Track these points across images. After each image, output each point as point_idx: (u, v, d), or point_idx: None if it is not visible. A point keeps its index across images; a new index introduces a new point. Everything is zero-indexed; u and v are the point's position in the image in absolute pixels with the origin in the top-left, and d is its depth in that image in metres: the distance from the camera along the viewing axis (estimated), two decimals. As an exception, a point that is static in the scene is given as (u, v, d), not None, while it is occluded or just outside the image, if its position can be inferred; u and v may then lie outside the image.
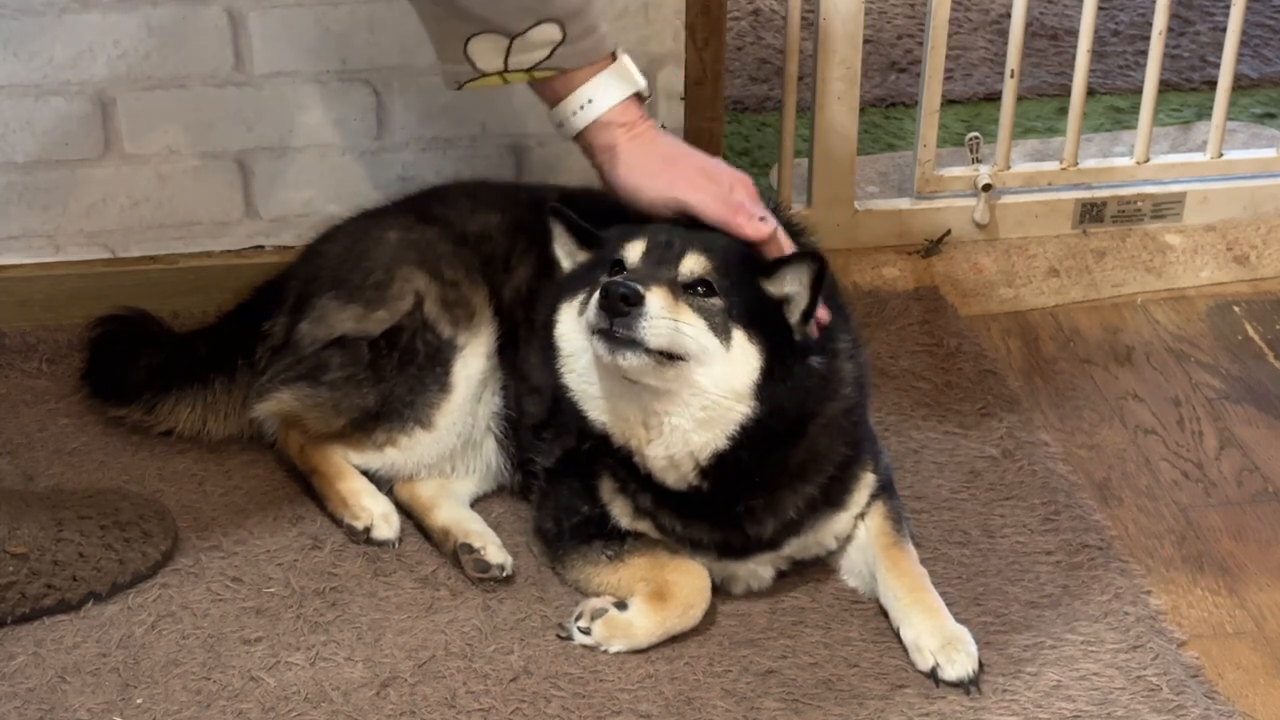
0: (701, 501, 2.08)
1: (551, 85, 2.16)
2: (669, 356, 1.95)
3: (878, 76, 3.65)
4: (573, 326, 2.05)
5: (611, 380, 2.01)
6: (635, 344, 1.92)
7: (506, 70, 2.13)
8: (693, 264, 1.99)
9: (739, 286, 1.99)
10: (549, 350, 2.09)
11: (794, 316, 2.01)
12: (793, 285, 2.00)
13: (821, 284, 1.99)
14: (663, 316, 1.93)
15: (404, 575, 2.23)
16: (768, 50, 3.79)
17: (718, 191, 2.10)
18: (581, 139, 2.17)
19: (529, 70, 2.13)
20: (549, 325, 2.09)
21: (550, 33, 2.09)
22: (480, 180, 2.66)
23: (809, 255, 2.02)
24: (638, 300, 1.92)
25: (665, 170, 2.13)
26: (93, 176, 2.74)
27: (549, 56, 2.11)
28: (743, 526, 2.11)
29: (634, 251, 2.02)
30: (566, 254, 2.14)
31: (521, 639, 2.12)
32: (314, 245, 2.56)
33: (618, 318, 1.92)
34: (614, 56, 2.16)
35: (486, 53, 2.11)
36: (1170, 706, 2.02)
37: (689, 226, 2.09)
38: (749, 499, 2.08)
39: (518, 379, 2.33)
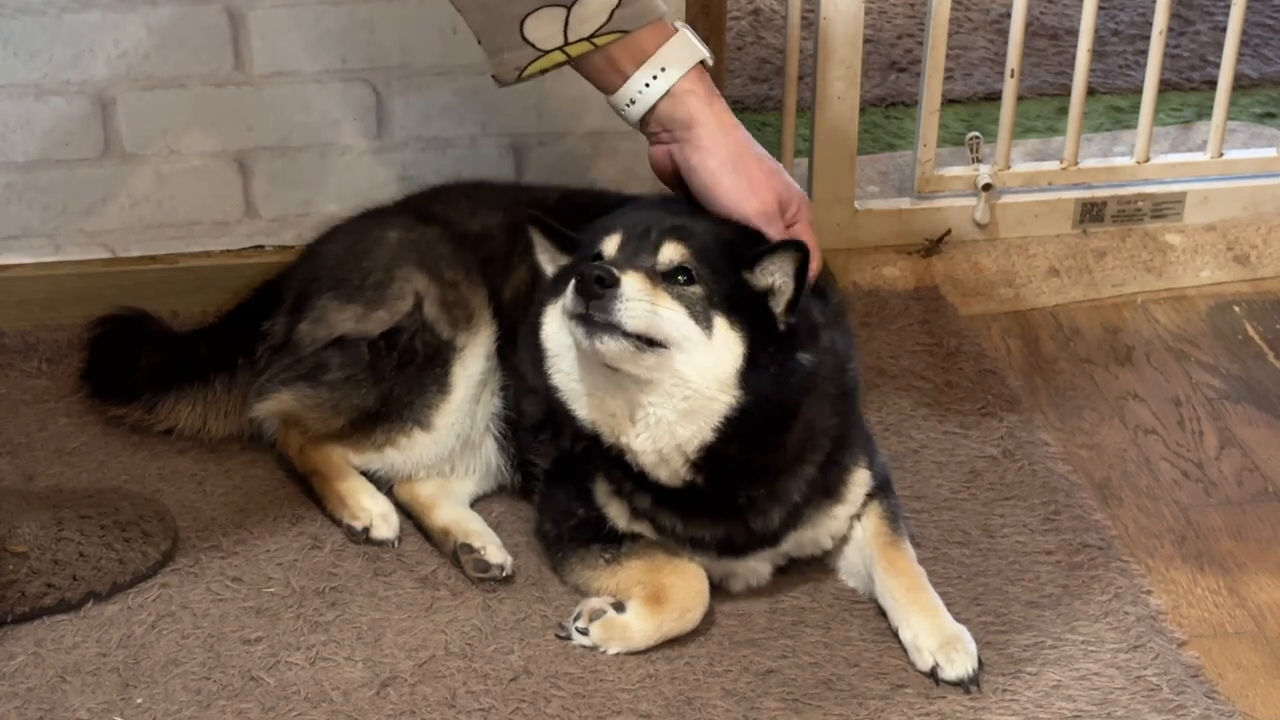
0: (700, 497, 2.07)
1: (614, 62, 2.09)
2: (649, 343, 1.94)
3: (878, 76, 3.65)
4: (557, 326, 2.04)
5: (595, 374, 2.01)
6: (613, 328, 1.92)
7: (567, 43, 2.07)
8: (671, 252, 1.98)
9: (719, 274, 1.98)
10: (537, 351, 2.09)
11: (779, 307, 2.00)
12: (776, 276, 1.99)
13: (805, 273, 1.98)
14: (638, 299, 1.92)
15: (404, 575, 2.23)
16: (768, 50, 3.79)
17: (776, 210, 2.10)
18: (654, 117, 2.11)
19: (590, 38, 2.06)
20: (535, 327, 2.09)
21: None
22: (481, 180, 2.66)
23: (791, 244, 1.99)
24: (612, 282, 1.91)
25: (745, 164, 2.09)
26: (93, 176, 2.74)
27: (609, 20, 2.05)
28: (746, 520, 2.11)
29: (611, 244, 2.01)
30: (549, 260, 2.13)
31: (521, 639, 2.12)
32: (314, 245, 2.55)
33: (593, 300, 1.91)
34: (674, 28, 2.11)
35: (545, 29, 2.06)
36: (1170, 706, 2.02)
37: (668, 211, 2.09)
38: (751, 490, 2.08)
39: (517, 380, 2.33)
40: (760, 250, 2.00)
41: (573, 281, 1.93)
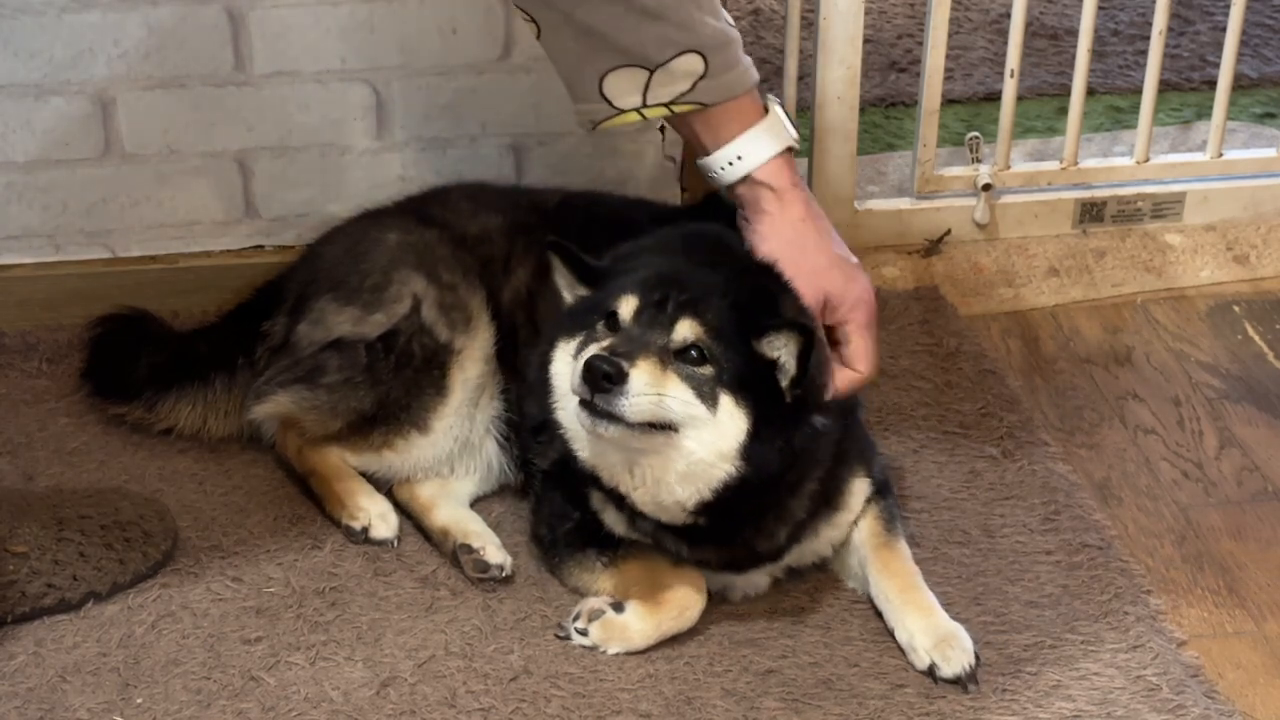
0: (704, 530, 2.07)
1: (700, 136, 2.11)
2: (653, 425, 1.94)
3: (878, 76, 3.65)
4: (567, 366, 2.02)
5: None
6: (616, 418, 1.92)
7: (645, 105, 2.06)
8: (685, 330, 1.96)
9: (731, 348, 1.96)
10: (544, 385, 2.09)
11: (784, 381, 1.99)
12: (781, 353, 1.97)
13: (810, 357, 1.96)
14: (645, 394, 1.91)
15: (404, 575, 2.23)
16: (768, 50, 3.78)
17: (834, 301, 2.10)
18: (734, 194, 2.14)
19: (668, 104, 2.06)
20: (545, 362, 2.08)
21: (693, 64, 2.03)
22: (481, 182, 2.66)
23: (796, 326, 1.98)
24: (620, 379, 1.90)
25: (796, 258, 2.09)
26: (93, 176, 2.74)
27: (690, 90, 2.05)
28: (752, 543, 2.11)
29: (627, 308, 1.99)
30: (567, 287, 2.12)
31: (521, 639, 2.12)
32: (314, 246, 2.56)
33: (599, 393, 1.91)
34: (765, 109, 2.11)
35: (624, 88, 2.05)
36: (1170, 706, 2.02)
37: (689, 256, 2.10)
38: (757, 520, 2.08)
39: (518, 381, 2.32)
40: (767, 324, 1.98)
41: (580, 368, 1.92)
